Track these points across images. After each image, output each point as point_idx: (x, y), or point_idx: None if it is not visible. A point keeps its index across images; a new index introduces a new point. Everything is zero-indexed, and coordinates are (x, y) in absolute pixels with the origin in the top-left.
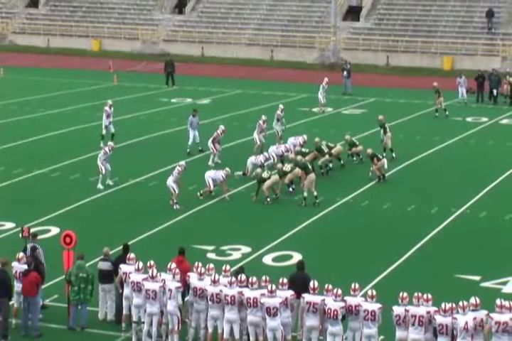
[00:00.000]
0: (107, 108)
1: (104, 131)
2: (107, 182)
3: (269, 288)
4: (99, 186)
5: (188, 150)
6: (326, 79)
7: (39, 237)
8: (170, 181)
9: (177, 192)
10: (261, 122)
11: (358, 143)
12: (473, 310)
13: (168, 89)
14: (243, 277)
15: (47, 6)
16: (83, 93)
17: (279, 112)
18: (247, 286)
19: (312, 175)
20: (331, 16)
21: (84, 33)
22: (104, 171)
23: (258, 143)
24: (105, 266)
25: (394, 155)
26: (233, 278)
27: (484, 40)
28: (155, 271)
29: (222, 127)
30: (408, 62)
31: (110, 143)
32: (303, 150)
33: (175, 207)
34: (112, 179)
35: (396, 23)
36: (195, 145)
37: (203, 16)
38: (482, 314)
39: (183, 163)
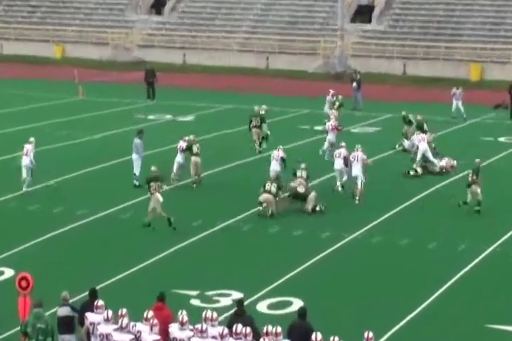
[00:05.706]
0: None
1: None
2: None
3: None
4: (25, 189)
5: (134, 182)
6: (331, 91)
7: None
8: (179, 158)
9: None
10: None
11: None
12: None
13: (145, 104)
14: (239, 328)
15: (0, 6)
16: (43, 108)
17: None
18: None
19: None
20: (338, 17)
21: (44, 38)
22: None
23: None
24: (64, 311)
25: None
26: (225, 330)
27: None
28: (126, 320)
29: (281, 151)
30: (428, 72)
31: (31, 139)
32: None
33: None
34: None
35: (414, 26)
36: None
37: (185, 17)
38: None
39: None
